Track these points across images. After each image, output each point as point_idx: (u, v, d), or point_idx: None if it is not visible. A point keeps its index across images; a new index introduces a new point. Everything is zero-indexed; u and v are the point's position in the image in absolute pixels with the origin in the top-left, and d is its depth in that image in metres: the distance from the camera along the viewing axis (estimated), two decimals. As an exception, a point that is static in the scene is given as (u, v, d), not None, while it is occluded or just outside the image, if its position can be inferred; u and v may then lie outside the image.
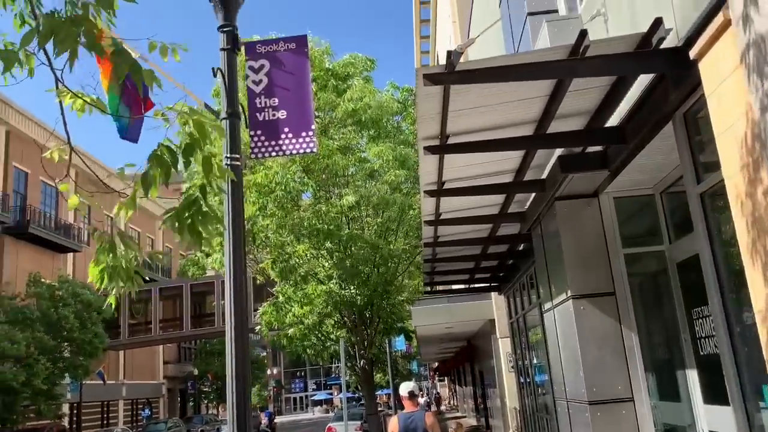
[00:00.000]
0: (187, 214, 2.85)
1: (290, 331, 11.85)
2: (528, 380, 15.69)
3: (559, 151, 7.11)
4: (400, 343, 25.93)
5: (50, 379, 25.42)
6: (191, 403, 58.43)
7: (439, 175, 7.11)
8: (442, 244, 11.26)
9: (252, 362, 59.48)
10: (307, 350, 12.95)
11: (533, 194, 8.84)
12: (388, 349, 25.07)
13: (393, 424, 6.87)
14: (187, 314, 41.65)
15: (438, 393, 63.58)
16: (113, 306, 3.14)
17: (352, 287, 12.17)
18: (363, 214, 12.42)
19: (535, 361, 14.34)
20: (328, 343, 12.70)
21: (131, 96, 4.20)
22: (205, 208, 2.89)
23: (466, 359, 35.38)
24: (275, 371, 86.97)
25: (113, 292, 3.04)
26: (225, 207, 4.39)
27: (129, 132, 4.39)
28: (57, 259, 34.58)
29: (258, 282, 13.58)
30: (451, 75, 4.55)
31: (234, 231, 4.32)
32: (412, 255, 13.70)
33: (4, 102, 30.40)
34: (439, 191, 7.62)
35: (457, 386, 48.88)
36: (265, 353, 72.60)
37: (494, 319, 21.83)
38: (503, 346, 21.26)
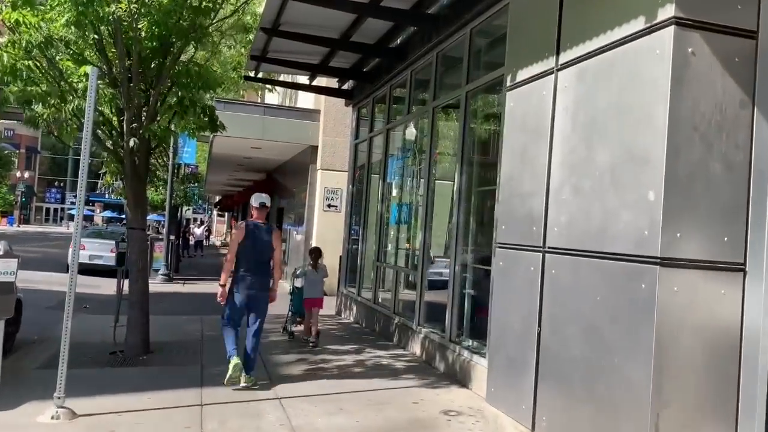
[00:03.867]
0: None
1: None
2: (363, 221, 11.54)
3: None
4: (189, 155, 20.14)
5: None
6: None
7: None
8: None
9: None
10: (34, 97, 6.94)
11: None
12: (171, 158, 19.32)
13: (240, 229, 6.50)
14: None
15: (208, 227, 58.31)
16: None
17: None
18: None
19: (395, 192, 10.10)
20: (72, 99, 6.93)
21: None
22: None
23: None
24: (27, 175, 74.62)
25: None
26: None
27: None
28: None
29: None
30: None
31: None
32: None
33: None
34: None
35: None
36: (11, 152, 60.75)
37: (318, 146, 17.31)
38: (322, 180, 17.00)
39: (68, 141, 8.30)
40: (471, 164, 7.31)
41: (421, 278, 8.24)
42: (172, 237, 20.67)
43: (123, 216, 64.19)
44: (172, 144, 19.73)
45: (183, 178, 25.07)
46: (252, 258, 6.34)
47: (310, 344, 8.49)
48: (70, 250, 20.45)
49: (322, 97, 17.35)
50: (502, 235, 4.86)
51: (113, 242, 20.66)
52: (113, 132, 7.90)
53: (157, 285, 17.80)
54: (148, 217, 40.92)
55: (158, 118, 8.00)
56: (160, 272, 19.10)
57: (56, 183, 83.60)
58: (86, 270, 19.76)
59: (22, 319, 9.02)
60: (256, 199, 6.64)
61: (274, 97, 24.71)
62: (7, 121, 63.30)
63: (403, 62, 9.27)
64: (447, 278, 7.67)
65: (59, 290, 16.08)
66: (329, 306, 12.51)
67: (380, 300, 10.23)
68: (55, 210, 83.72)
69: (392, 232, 10.12)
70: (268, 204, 6.72)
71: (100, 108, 7.81)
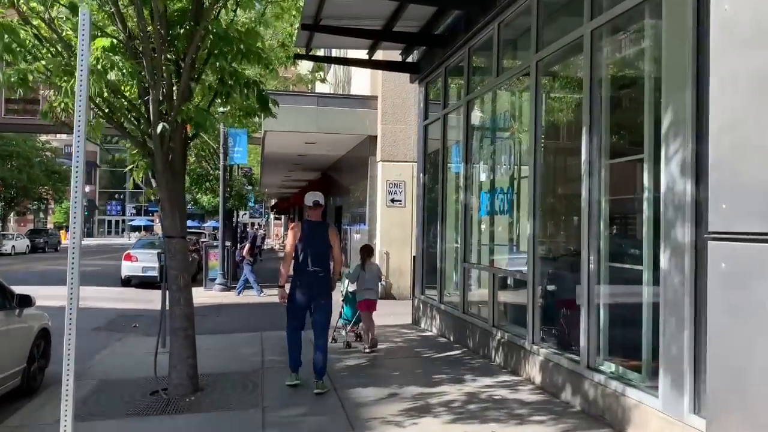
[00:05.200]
0: None
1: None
2: (441, 214, 9.75)
3: None
4: (240, 155, 18.62)
5: None
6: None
7: None
8: None
9: (52, 172, 49.52)
10: (32, 73, 5.42)
11: None
12: (222, 159, 17.88)
13: (296, 229, 6.37)
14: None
15: (263, 232, 55.95)
16: None
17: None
18: None
19: (484, 177, 8.25)
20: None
21: None
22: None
23: (316, 194, 29.42)
24: (87, 189, 76.00)
25: None
26: None
27: None
28: None
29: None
30: None
31: None
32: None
33: None
34: None
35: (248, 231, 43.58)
36: (69, 167, 61.64)
37: (377, 136, 15.66)
38: (384, 173, 15.35)
39: (93, 137, 6.80)
40: (600, 126, 5.43)
41: (532, 282, 6.40)
42: (228, 243, 19.36)
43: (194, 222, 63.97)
44: (222, 144, 18.45)
45: (237, 181, 23.75)
46: (310, 258, 6.20)
47: (366, 351, 7.96)
48: (127, 265, 19.07)
49: (379, 81, 15.71)
50: (722, 219, 3.01)
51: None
52: (140, 120, 6.38)
53: (213, 296, 16.54)
54: (205, 225, 40.18)
55: (195, 100, 6.46)
56: (217, 281, 17.81)
57: (116, 195, 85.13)
58: (140, 283, 18.74)
59: (61, 343, 7.69)
60: (309, 198, 6.51)
61: (325, 88, 23.24)
62: (66, 137, 64.39)
63: (487, 14, 7.44)
64: (570, 282, 5.83)
65: (110, 307, 14.94)
66: (401, 314, 10.81)
67: (471, 309, 8.44)
68: (117, 222, 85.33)
69: (483, 226, 8.30)
70: (322, 202, 6.56)
71: (123, 91, 6.34)
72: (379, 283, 8.64)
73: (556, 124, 6.68)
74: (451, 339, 8.71)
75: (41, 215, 68.63)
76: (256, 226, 56.01)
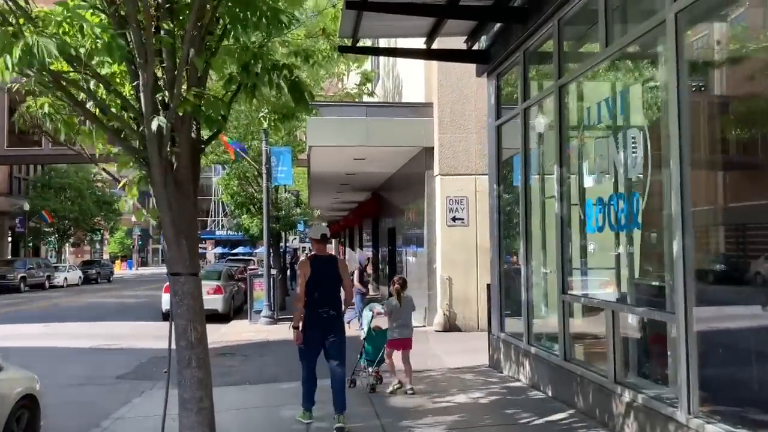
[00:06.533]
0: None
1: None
2: (524, 232, 7.82)
3: None
4: (285, 174, 16.79)
5: None
6: (30, 245, 47.74)
7: None
8: None
9: (104, 203, 49.68)
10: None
11: None
12: (264, 180, 16.31)
13: (305, 266, 6.22)
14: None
15: (369, 254, 51.78)
16: None
17: None
18: None
19: (591, 182, 6.29)
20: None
21: None
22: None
23: (366, 215, 27.90)
24: (142, 219, 76.64)
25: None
26: None
27: None
28: None
29: None
30: None
31: None
32: None
33: None
34: None
35: (347, 250, 42.16)
36: (119, 197, 61.95)
37: (433, 148, 13.90)
38: (443, 188, 13.56)
39: (86, 141, 5.21)
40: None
41: (685, 324, 4.43)
42: (274, 271, 17.80)
43: (235, 251, 63.27)
44: (264, 163, 16.97)
45: (286, 201, 22.39)
46: (321, 294, 6.09)
47: (410, 392, 7.23)
48: (168, 297, 17.55)
49: (434, 86, 13.98)
50: None
51: (214, 283, 17.76)
52: (136, 119, 4.76)
53: (259, 329, 14.96)
54: (256, 251, 38.63)
55: (206, 89, 4.82)
56: (263, 314, 16.22)
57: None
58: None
59: (72, 399, 6.19)
60: (316, 231, 6.44)
61: (373, 101, 21.66)
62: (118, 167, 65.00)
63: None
64: (755, 324, 3.85)
65: (143, 347, 13.34)
66: (472, 350, 8.89)
67: (576, 355, 6.47)
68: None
69: (591, 246, 6.34)
70: (328, 234, 6.45)
71: (110, 77, 4.76)
72: (413, 316, 7.88)
73: (711, 97, 4.74)
74: (549, 393, 6.74)
75: (97, 246, 69.34)
76: (306, 251, 54.84)
